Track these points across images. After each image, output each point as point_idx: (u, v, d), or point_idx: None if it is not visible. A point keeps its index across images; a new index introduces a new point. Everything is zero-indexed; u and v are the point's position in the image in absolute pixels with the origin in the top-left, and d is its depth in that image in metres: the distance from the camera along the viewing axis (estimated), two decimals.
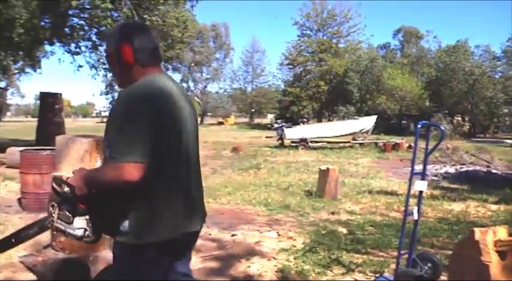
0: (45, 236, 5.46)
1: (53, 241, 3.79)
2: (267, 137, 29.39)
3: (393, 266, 4.30)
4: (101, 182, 2.01)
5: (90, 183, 2.04)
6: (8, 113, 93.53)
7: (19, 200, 7.82)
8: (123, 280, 2.10)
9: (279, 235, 5.74)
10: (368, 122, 22.07)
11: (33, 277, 3.91)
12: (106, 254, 3.84)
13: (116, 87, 79.92)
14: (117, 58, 2.15)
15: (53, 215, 2.10)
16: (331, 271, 4.44)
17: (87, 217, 2.05)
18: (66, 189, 2.08)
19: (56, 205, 2.11)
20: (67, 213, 2.05)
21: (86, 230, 2.05)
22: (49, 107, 16.23)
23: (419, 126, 3.91)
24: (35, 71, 24.24)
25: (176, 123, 2.08)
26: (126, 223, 2.00)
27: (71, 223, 2.04)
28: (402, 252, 3.90)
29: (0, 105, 73.66)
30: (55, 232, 2.19)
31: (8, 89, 75.37)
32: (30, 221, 6.30)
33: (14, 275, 4.32)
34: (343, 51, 55.37)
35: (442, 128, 4.56)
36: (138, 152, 1.89)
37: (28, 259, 3.79)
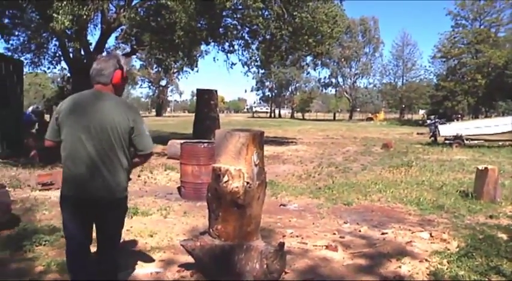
0: (202, 223, 5.85)
1: (210, 228, 4.01)
2: (418, 133, 28.26)
3: None
4: None
5: None
6: (168, 109, 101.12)
7: (179, 188, 8.44)
8: None
9: (431, 236, 5.49)
10: None
11: (191, 259, 4.18)
12: (259, 244, 3.98)
13: (267, 83, 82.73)
14: None
15: None
16: (489, 279, 4.14)
17: None
18: None
19: None
20: None
21: None
22: (205, 102, 17.23)
23: None
24: (192, 69, 25.83)
25: (73, 124, 3.09)
26: None
27: None
28: None
29: (161, 101, 79.99)
30: None
31: (168, 87, 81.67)
32: (188, 209, 6.79)
33: (175, 256, 4.70)
34: (504, 40, 50.76)
35: None
36: (47, 134, 3.22)
37: (188, 243, 4.06)
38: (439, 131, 20.28)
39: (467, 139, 19.38)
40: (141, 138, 3.18)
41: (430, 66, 62.87)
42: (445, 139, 19.96)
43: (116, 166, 3.12)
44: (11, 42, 18.49)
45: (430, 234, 5.55)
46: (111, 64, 3.23)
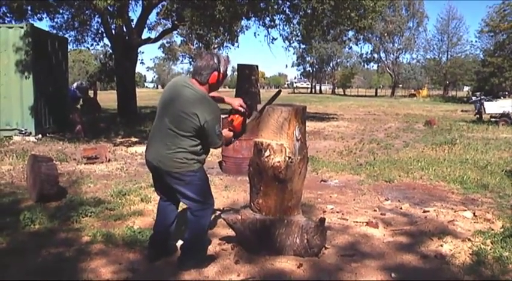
0: (242, 198, 5.90)
1: (251, 202, 4.04)
2: (462, 111, 27.62)
3: None
4: None
5: None
6: None
7: (220, 163, 8.52)
8: None
9: (475, 215, 5.35)
10: None
11: (232, 233, 4.25)
12: (300, 219, 4.00)
13: (308, 58, 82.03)
14: None
15: None
16: None
17: None
18: None
19: None
20: None
21: None
22: (246, 78, 17.20)
23: None
24: (232, 45, 25.82)
25: (161, 100, 3.69)
26: None
27: None
28: None
29: None
30: None
31: None
32: (229, 183, 6.86)
33: (216, 229, 4.77)
34: None
35: None
36: None
37: (229, 216, 4.11)
38: (484, 109, 19.72)
39: None
40: (210, 136, 3.55)
41: (476, 41, 60.76)
42: (491, 117, 19.41)
43: (176, 145, 3.53)
44: (55, 20, 18.86)
45: (474, 213, 5.42)
46: (211, 66, 3.56)
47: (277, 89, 4.64)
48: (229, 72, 3.71)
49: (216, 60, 3.56)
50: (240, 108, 3.86)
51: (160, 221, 3.96)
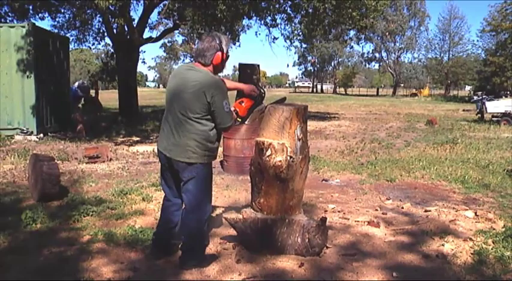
0: (244, 197, 5.89)
1: (252, 202, 4.04)
2: (464, 110, 27.58)
3: None
4: None
5: None
6: None
7: (221, 162, 8.51)
8: None
9: (476, 215, 5.33)
10: None
11: (233, 232, 4.24)
12: (301, 218, 3.99)
13: (309, 58, 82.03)
14: None
15: None
16: None
17: None
18: None
19: None
20: None
21: None
22: (247, 77, 17.08)
23: None
24: (234, 44, 25.75)
25: (168, 89, 3.71)
26: None
27: None
28: None
29: None
30: None
31: None
32: (231, 183, 6.84)
33: (217, 229, 4.75)
34: None
35: None
36: None
37: (231, 215, 4.12)
38: (486, 108, 19.70)
39: None
40: (219, 113, 3.52)
41: (478, 41, 60.88)
42: (493, 116, 19.38)
43: (187, 131, 3.52)
44: (57, 19, 18.90)
45: (475, 213, 5.40)
46: (213, 46, 3.57)
47: (283, 97, 4.62)
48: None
49: (218, 41, 3.58)
50: (253, 93, 3.91)
51: (164, 221, 3.96)
